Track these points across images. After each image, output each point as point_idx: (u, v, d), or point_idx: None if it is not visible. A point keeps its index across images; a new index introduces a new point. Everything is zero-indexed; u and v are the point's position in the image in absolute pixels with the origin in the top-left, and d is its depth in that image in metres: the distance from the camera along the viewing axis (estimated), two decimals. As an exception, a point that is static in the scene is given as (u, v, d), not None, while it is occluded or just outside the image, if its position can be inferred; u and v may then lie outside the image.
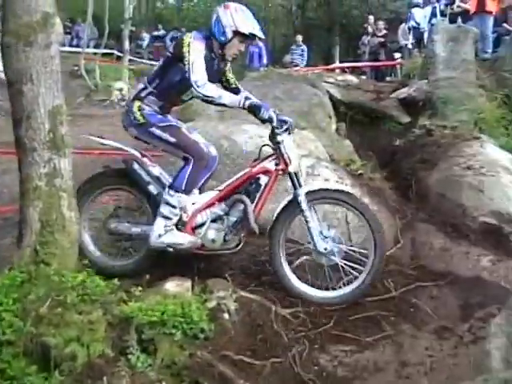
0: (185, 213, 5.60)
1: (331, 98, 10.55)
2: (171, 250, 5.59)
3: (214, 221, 5.61)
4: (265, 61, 20.71)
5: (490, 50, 12.98)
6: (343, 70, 17.58)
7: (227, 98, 5.40)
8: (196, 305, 4.89)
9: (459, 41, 10.49)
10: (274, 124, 5.51)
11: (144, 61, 27.33)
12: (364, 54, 20.50)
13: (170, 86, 5.58)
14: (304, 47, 21.79)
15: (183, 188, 5.50)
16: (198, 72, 5.29)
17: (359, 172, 7.16)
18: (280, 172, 5.62)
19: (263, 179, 5.58)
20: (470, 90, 9.86)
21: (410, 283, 5.90)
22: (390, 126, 10.28)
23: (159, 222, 5.56)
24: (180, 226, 5.61)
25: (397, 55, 18.40)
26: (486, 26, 13.25)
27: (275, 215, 5.67)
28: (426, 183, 7.56)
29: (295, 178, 5.57)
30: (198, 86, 5.27)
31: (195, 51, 5.34)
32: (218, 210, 5.62)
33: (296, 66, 19.62)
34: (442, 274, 6.16)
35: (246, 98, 5.47)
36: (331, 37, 29.11)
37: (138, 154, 5.72)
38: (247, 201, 5.48)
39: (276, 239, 5.61)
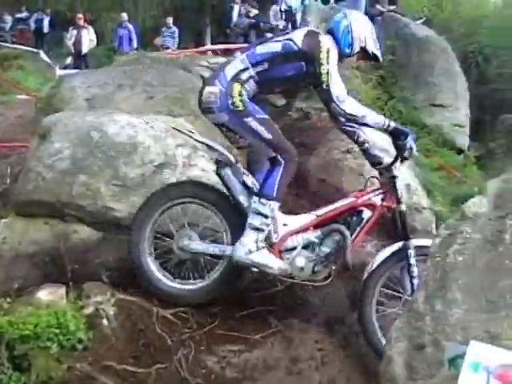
0: (275, 233, 5.04)
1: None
2: (255, 270, 5.05)
3: (305, 247, 5.08)
4: (135, 44, 20.16)
5: (363, 31, 13.02)
6: (215, 52, 17.28)
7: (371, 117, 4.96)
8: (72, 313, 4.58)
9: (332, 22, 10.39)
10: (407, 155, 5.12)
11: (8, 45, 25.92)
12: (235, 36, 20.29)
13: (276, 79, 5.07)
14: (175, 29, 21.37)
15: (274, 195, 4.94)
16: (339, 85, 4.86)
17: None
18: (385, 209, 5.19)
19: (366, 213, 5.11)
20: (345, 71, 9.77)
21: (295, 275, 5.69)
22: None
23: (250, 236, 4.94)
24: (267, 245, 5.01)
25: (269, 35, 18.26)
26: (359, 7, 13.31)
27: (377, 262, 5.18)
28: (305, 168, 7.37)
29: (403, 221, 5.13)
30: (340, 102, 4.84)
31: (333, 60, 4.93)
32: (312, 236, 5.10)
33: (167, 48, 19.20)
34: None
35: (389, 119, 5.06)
36: (202, 18, 28.75)
37: (232, 158, 5.12)
38: (347, 233, 4.96)
39: (372, 288, 5.11)
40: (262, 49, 5.04)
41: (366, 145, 5.44)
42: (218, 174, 5.17)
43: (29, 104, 11.27)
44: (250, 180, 5.08)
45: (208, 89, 5.01)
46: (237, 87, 4.90)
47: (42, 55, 21.82)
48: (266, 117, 5.03)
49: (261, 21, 19.54)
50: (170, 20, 21.79)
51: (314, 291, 5.56)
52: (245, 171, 5.12)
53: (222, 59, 12.71)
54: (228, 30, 21.57)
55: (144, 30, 24.89)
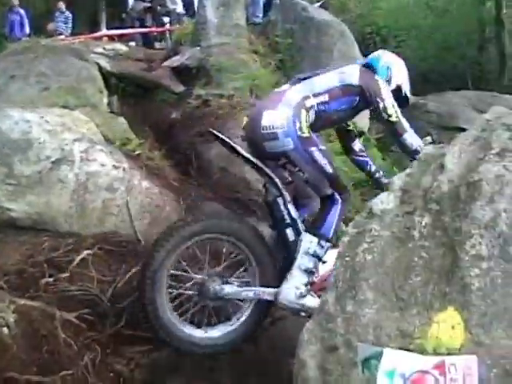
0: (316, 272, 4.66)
1: (100, 69, 9.93)
2: (303, 314, 4.55)
3: None
4: (27, 30, 19.38)
5: (260, 15, 12.96)
6: (111, 38, 16.88)
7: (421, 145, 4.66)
8: (-31, 324, 4.27)
9: (230, 6, 10.34)
10: None
11: None
12: (131, 20, 19.84)
13: (332, 112, 4.78)
14: (68, 14, 20.66)
15: (331, 236, 4.59)
16: (403, 119, 4.71)
17: (137, 152, 6.74)
18: None
19: None
20: (243, 56, 9.73)
21: (202, 267, 5.59)
22: (164, 97, 9.88)
23: (300, 278, 4.53)
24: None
25: (166, 19, 17.97)
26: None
27: None
28: (206, 158, 7.33)
29: None
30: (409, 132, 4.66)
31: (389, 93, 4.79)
32: None
33: (61, 34, 18.57)
34: (233, 253, 5.94)
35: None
36: (97, 2, 28.02)
37: (281, 186, 4.67)
38: None
39: None
40: (320, 80, 4.79)
41: (377, 174, 5.36)
42: (267, 202, 4.83)
43: None
44: (295, 212, 4.69)
45: (270, 112, 4.53)
46: (304, 113, 4.56)
47: None
48: (327, 150, 4.72)
49: (157, 4, 19.16)
50: (62, 5, 21.05)
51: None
52: (291, 202, 4.70)
53: (118, 45, 12.45)
54: (124, 15, 21.06)
55: (36, 15, 24.05)
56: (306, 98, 4.64)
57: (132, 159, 6.40)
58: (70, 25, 20.29)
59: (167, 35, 17.08)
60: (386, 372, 2.04)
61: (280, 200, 4.65)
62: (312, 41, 10.83)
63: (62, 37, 17.01)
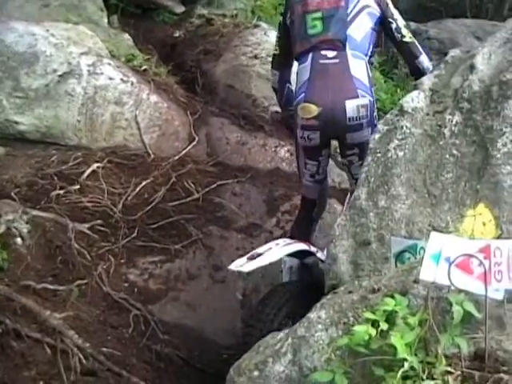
0: None
1: (100, -12, 9.74)
2: None
3: None
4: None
5: None
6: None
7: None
8: (-17, 234, 4.26)
9: None
10: None
11: None
12: None
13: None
14: None
15: None
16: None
17: (143, 68, 6.63)
18: None
19: None
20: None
21: (212, 182, 5.62)
22: (164, 17, 9.69)
23: None
24: None
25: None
26: None
27: None
28: (212, 75, 7.23)
29: None
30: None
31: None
32: None
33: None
34: (241, 169, 5.97)
35: None
36: None
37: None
38: None
39: None
40: (356, 30, 4.26)
41: None
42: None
43: None
44: None
45: (354, 102, 4.07)
46: (373, 91, 4.27)
47: None
48: None
49: None
50: None
51: (232, 197, 5.51)
52: None
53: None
54: None
55: None
56: (366, 66, 4.23)
57: (139, 74, 6.30)
58: None
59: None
60: (431, 255, 2.04)
61: None
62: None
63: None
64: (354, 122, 4.05)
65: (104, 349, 4.19)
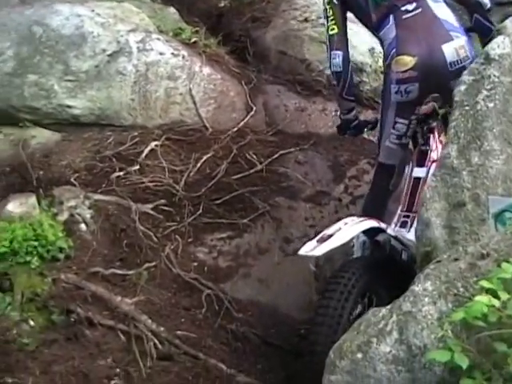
0: None
1: (140, -35, 9.61)
2: None
3: None
4: None
5: None
6: None
7: None
8: (48, 222, 4.21)
9: None
10: None
11: None
12: None
13: None
14: None
15: None
16: None
17: (193, 40, 6.45)
18: None
19: None
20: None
21: (274, 152, 5.46)
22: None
23: None
24: None
25: None
26: None
27: None
28: (262, 42, 7.03)
29: None
30: None
31: None
32: None
33: None
34: (303, 136, 5.79)
35: None
36: None
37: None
38: None
39: None
40: None
41: None
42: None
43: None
44: None
45: (452, 45, 3.89)
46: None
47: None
48: None
49: None
50: None
51: (296, 166, 5.33)
52: None
53: None
54: None
55: None
56: (447, 5, 4.07)
57: (189, 47, 6.14)
58: None
59: None
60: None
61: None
62: None
63: None
64: (456, 66, 3.83)
65: (178, 332, 4.10)
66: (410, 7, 3.96)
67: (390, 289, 3.31)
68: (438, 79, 3.87)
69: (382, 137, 4.22)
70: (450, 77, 3.78)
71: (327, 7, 4.33)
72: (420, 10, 3.95)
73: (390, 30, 3.99)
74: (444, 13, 3.97)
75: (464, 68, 3.57)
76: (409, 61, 3.88)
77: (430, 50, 3.84)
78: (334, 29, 4.30)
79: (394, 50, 3.93)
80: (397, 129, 4.08)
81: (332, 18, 4.30)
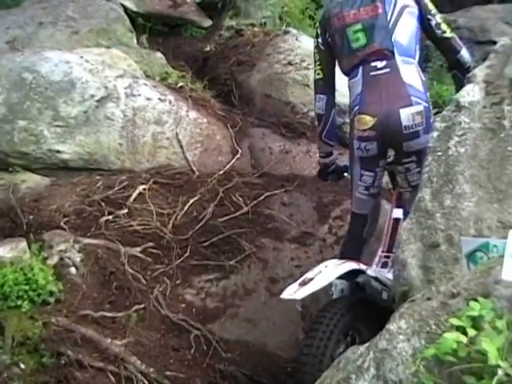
0: None
1: (126, 10, 9.77)
2: None
3: None
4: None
5: None
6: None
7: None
8: (38, 266, 4.27)
9: None
10: None
11: None
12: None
13: None
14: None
15: None
16: None
17: (179, 85, 6.61)
18: None
19: None
20: (268, -16, 9.44)
21: (259, 194, 5.56)
22: (192, 32, 9.70)
23: None
24: None
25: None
26: None
27: None
28: (248, 86, 7.19)
29: None
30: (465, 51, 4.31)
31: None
32: None
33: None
34: (287, 178, 5.92)
35: None
36: None
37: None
38: None
39: None
40: (403, 33, 4.07)
41: None
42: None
43: None
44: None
45: (409, 110, 3.90)
46: (428, 96, 4.06)
47: None
48: None
49: None
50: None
51: (281, 208, 5.43)
52: None
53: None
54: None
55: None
56: (417, 70, 4.03)
57: (175, 92, 6.29)
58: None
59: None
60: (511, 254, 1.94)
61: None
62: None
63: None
64: (409, 130, 3.87)
65: (168, 372, 4.14)
66: (379, 64, 3.98)
67: (371, 327, 3.39)
68: (392, 140, 3.94)
69: (352, 187, 4.26)
70: (403, 138, 3.89)
71: (315, 51, 4.39)
72: (388, 70, 3.96)
73: (357, 84, 4.03)
74: (411, 76, 3.95)
75: (417, 132, 3.84)
76: (368, 120, 3.93)
77: (388, 112, 3.87)
78: (319, 74, 4.36)
79: (357, 108, 3.99)
80: (363, 180, 4.12)
81: (319, 63, 4.35)
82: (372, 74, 3.99)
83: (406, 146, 3.91)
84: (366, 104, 3.97)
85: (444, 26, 4.21)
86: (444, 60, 5.91)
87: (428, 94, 4.00)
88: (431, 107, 3.96)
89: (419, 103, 3.89)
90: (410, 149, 3.92)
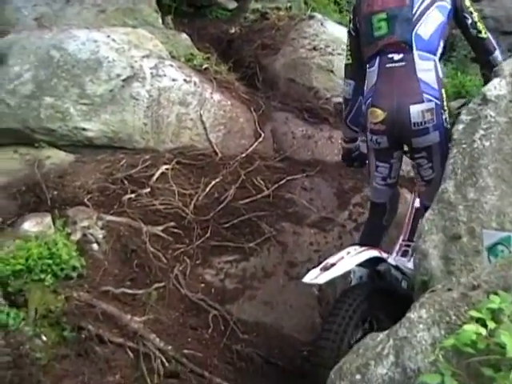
0: None
1: (152, -10, 9.79)
2: None
3: None
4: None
5: None
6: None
7: None
8: (62, 241, 4.32)
9: None
10: None
11: None
12: None
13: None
14: None
15: None
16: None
17: (204, 66, 6.63)
18: None
19: None
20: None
21: (281, 178, 5.60)
22: (217, 14, 9.70)
23: None
24: None
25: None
26: None
27: None
28: (272, 70, 7.20)
29: None
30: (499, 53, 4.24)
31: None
32: None
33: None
34: (309, 163, 5.94)
35: None
36: None
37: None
38: None
39: None
40: (427, 27, 3.98)
41: None
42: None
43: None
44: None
45: (420, 107, 3.86)
46: (443, 94, 3.96)
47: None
48: None
49: None
50: None
51: (302, 192, 5.47)
52: None
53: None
54: None
55: None
56: (435, 66, 3.96)
57: (200, 73, 6.31)
58: None
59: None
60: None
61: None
62: None
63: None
64: (418, 126, 3.85)
65: (185, 351, 4.21)
66: (396, 57, 3.96)
67: (390, 315, 3.44)
68: (402, 135, 3.95)
69: (369, 177, 4.29)
70: (412, 134, 3.88)
71: (348, 36, 4.41)
72: (403, 63, 3.94)
73: (373, 74, 4.02)
74: (427, 73, 3.91)
75: (427, 129, 3.82)
76: (380, 114, 3.93)
77: (399, 107, 3.86)
78: (349, 59, 4.37)
79: (370, 100, 3.99)
80: (379, 171, 4.14)
81: (349, 48, 4.37)
82: (388, 65, 3.98)
83: (415, 142, 3.91)
84: (379, 97, 3.98)
85: (480, 26, 4.14)
86: (469, 50, 5.89)
87: (443, 90, 3.93)
88: (445, 103, 3.90)
89: (431, 100, 3.85)
90: (419, 145, 3.92)
